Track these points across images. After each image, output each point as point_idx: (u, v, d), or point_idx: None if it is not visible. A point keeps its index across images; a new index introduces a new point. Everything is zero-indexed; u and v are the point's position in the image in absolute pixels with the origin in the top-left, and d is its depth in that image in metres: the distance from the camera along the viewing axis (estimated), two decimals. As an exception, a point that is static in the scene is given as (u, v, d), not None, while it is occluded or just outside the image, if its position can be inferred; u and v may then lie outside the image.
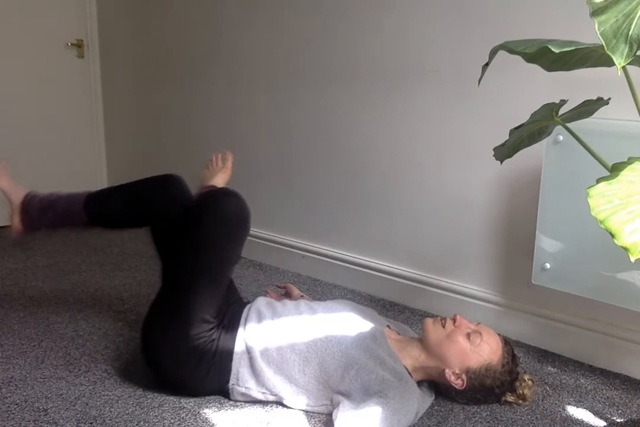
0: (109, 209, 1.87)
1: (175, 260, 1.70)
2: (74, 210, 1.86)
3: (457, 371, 1.59)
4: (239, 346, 1.63)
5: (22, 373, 1.78)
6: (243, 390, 1.63)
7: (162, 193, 1.82)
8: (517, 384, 1.65)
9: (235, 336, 1.65)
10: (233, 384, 1.63)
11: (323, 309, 1.71)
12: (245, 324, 1.67)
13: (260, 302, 1.77)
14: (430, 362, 1.62)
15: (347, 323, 1.66)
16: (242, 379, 1.62)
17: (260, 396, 1.63)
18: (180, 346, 1.60)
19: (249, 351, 1.62)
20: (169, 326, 1.62)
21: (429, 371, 1.63)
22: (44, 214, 1.88)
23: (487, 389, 1.61)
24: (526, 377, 1.68)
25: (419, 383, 1.64)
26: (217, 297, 1.65)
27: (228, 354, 1.62)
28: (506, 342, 1.65)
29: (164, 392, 1.68)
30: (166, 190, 1.82)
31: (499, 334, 1.66)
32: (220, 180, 2.05)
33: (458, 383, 1.59)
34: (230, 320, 1.68)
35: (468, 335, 1.60)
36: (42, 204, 1.89)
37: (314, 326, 1.64)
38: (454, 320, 1.64)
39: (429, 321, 1.67)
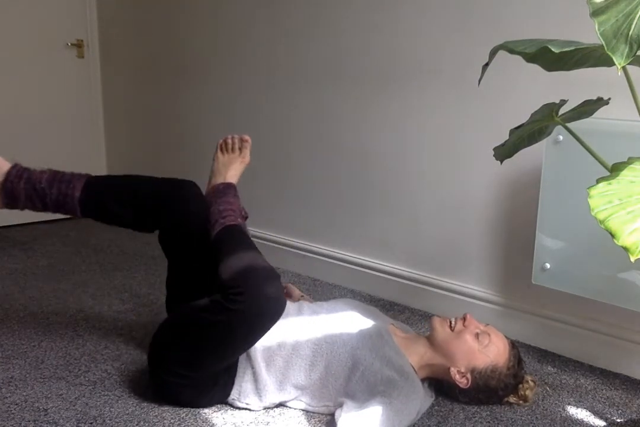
0: (109, 212, 1.70)
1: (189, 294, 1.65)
2: (69, 206, 1.68)
3: (463, 370, 1.59)
4: (242, 357, 1.59)
5: (22, 373, 1.78)
6: (243, 405, 1.61)
7: (174, 205, 1.68)
8: (520, 385, 1.65)
9: None
10: (234, 399, 1.61)
11: (326, 311, 1.69)
12: None
13: None
14: (436, 360, 1.62)
15: (351, 323, 1.65)
16: (243, 394, 1.59)
17: (260, 409, 1.62)
18: (200, 380, 1.57)
19: (252, 364, 1.58)
20: (191, 365, 1.54)
21: (434, 369, 1.63)
22: (29, 201, 1.67)
23: (490, 390, 1.61)
24: (528, 378, 1.68)
25: (421, 381, 1.64)
26: (246, 349, 1.57)
27: (232, 369, 1.59)
28: (513, 345, 1.65)
29: (164, 392, 1.68)
30: (180, 200, 1.68)
31: (506, 337, 1.66)
32: (236, 173, 1.87)
33: (462, 382, 1.59)
34: None
35: (476, 335, 1.60)
36: (28, 189, 1.65)
37: (317, 329, 1.62)
38: (464, 319, 1.64)
39: (437, 319, 1.67)
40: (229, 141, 1.87)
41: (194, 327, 1.52)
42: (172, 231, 1.73)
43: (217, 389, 1.59)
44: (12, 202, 1.67)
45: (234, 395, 1.60)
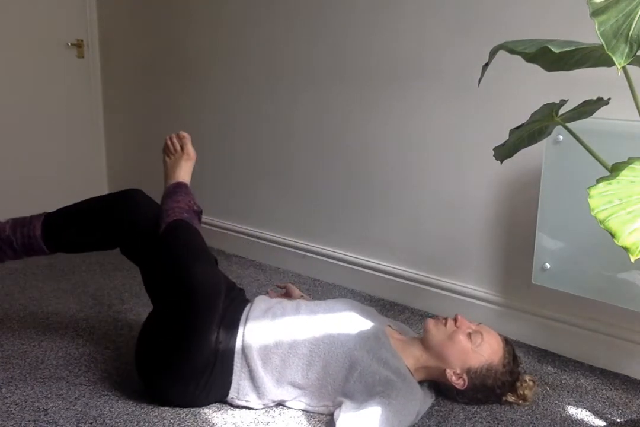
0: (71, 240, 1.79)
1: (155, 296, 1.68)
2: (35, 246, 1.78)
3: (458, 371, 1.59)
4: (238, 356, 1.59)
5: (22, 373, 1.78)
6: (243, 403, 1.61)
7: (126, 212, 1.74)
8: (518, 384, 1.65)
9: (234, 346, 1.60)
10: (232, 398, 1.61)
11: (323, 310, 1.69)
12: (243, 334, 1.62)
13: (258, 307, 1.71)
14: (431, 362, 1.62)
15: (349, 323, 1.64)
16: (242, 393, 1.60)
17: (260, 407, 1.62)
18: (183, 375, 1.56)
19: (248, 363, 1.59)
20: (167, 362, 1.56)
21: (430, 371, 1.63)
22: (2, 252, 1.79)
23: (488, 389, 1.61)
24: (527, 377, 1.68)
25: (420, 383, 1.64)
26: (207, 336, 1.56)
27: (228, 367, 1.58)
28: (507, 342, 1.65)
29: (164, 392, 1.68)
30: (129, 209, 1.75)
31: (500, 334, 1.66)
32: (185, 170, 1.86)
33: (459, 383, 1.59)
34: (227, 327, 1.63)
35: (469, 335, 1.60)
36: None
37: (315, 328, 1.62)
38: (455, 320, 1.64)
39: (430, 321, 1.67)
40: (169, 143, 1.90)
41: (157, 328, 1.59)
42: (127, 241, 1.78)
43: (213, 388, 1.59)
44: None
45: (232, 393, 1.60)
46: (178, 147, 1.88)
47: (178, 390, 1.59)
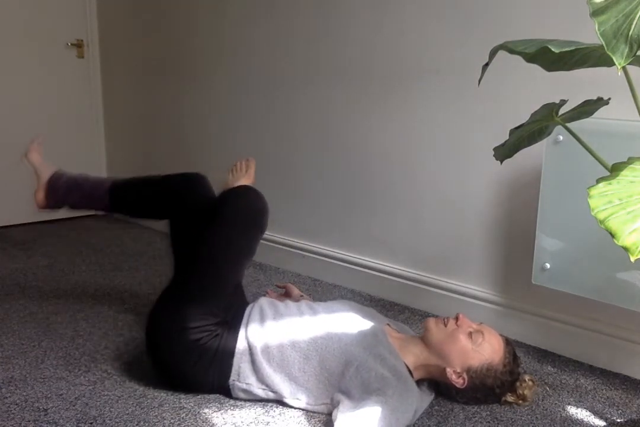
0: (131, 198, 1.95)
1: (189, 252, 1.73)
2: (98, 194, 1.95)
3: (459, 370, 1.59)
4: (240, 344, 1.64)
5: (22, 373, 1.78)
6: (244, 386, 1.64)
7: (189, 190, 1.89)
8: (518, 384, 1.65)
9: (238, 333, 1.66)
10: (234, 381, 1.64)
11: (324, 309, 1.72)
12: (247, 323, 1.68)
13: (263, 301, 1.79)
14: (431, 361, 1.62)
15: (348, 322, 1.67)
16: (243, 375, 1.63)
17: (261, 393, 1.64)
18: (184, 337, 1.62)
19: (250, 349, 1.64)
20: (174, 315, 1.64)
21: (430, 369, 1.64)
22: (69, 194, 1.98)
23: (487, 388, 1.61)
24: (526, 377, 1.68)
25: (419, 382, 1.64)
26: (224, 291, 1.69)
27: (230, 351, 1.64)
28: (508, 342, 1.65)
29: (164, 392, 1.69)
30: (192, 188, 1.90)
31: (501, 335, 1.66)
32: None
33: (459, 382, 1.59)
34: (233, 318, 1.70)
35: (470, 334, 1.60)
36: (69, 183, 1.98)
37: (314, 324, 1.65)
38: (457, 319, 1.64)
39: (431, 320, 1.67)
40: (238, 165, 2.13)
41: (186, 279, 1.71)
42: (181, 215, 1.90)
43: (212, 365, 1.63)
44: (53, 197, 1.99)
45: (233, 376, 1.64)
46: (243, 170, 2.11)
47: (180, 355, 1.62)
